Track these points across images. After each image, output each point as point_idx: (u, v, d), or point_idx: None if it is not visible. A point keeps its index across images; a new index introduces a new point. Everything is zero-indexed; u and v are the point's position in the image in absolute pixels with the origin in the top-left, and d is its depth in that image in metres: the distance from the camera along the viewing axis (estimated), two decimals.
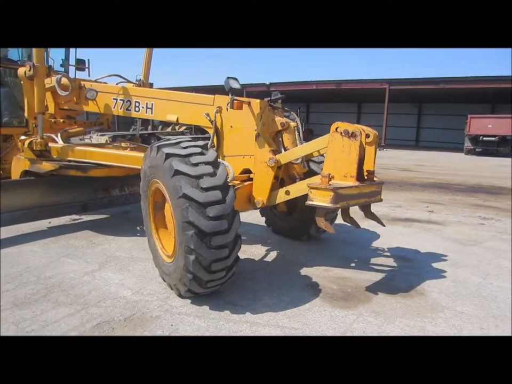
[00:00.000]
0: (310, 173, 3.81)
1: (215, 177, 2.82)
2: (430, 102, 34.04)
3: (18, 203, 4.65)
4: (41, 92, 4.72)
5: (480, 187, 9.90)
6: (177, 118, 4.09)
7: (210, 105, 3.78)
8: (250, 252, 4.32)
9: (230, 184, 3.46)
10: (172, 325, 2.70)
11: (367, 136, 3.19)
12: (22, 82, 4.95)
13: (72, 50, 6.39)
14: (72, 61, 6.43)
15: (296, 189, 3.46)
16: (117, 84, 5.11)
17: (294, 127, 3.74)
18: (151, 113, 4.33)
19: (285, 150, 3.66)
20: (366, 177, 3.24)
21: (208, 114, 3.72)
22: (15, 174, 5.13)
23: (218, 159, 3.57)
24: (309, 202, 3.05)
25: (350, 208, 3.27)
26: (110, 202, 5.61)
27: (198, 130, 25.57)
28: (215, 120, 3.69)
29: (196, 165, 2.83)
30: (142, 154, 3.94)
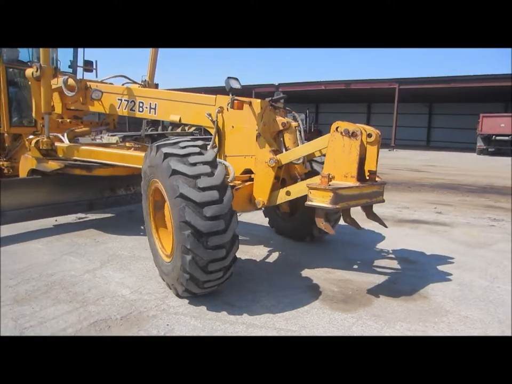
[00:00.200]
0: (313, 173, 3.77)
1: (212, 177, 2.80)
2: (441, 102, 33.63)
3: (25, 201, 4.71)
4: (48, 93, 4.77)
5: (491, 187, 9.72)
6: (180, 118, 4.09)
7: (212, 105, 3.77)
8: (252, 252, 4.30)
9: (231, 184, 3.46)
10: (167, 325, 2.69)
11: (369, 135, 3.14)
12: (29, 83, 5.01)
13: (80, 52, 6.46)
14: (80, 62, 6.49)
15: (297, 190, 3.42)
16: (123, 85, 5.13)
17: (295, 127, 3.71)
18: (155, 114, 4.34)
19: (286, 150, 3.63)
20: (367, 178, 3.20)
21: (210, 115, 3.71)
22: (23, 173, 5.21)
23: (219, 159, 3.58)
24: (308, 203, 3.02)
25: (353, 208, 3.22)
26: (115, 202, 5.65)
27: (207, 131, 25.63)
28: (216, 120, 3.68)
29: (194, 164, 2.81)
30: None
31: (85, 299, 3.08)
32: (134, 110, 4.49)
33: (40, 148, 4.80)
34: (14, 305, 2.95)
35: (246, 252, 4.27)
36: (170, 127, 29.49)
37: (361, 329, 2.71)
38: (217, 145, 3.80)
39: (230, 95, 3.51)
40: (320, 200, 2.94)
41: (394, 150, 25.65)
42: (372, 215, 3.46)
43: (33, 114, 5.10)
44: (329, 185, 2.93)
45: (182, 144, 3.01)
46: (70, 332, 2.60)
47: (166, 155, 2.90)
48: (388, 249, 4.49)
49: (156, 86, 5.86)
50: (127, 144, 5.29)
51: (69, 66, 6.49)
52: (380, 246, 4.64)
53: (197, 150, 2.96)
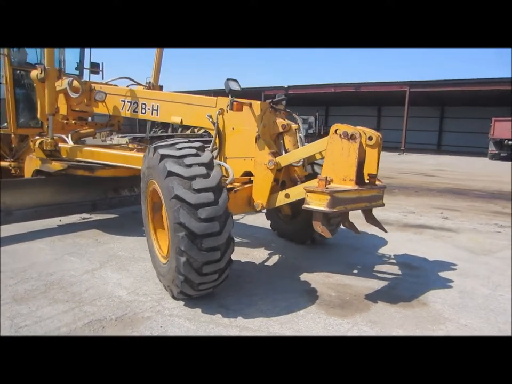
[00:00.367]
0: (313, 176, 3.72)
1: (208, 179, 2.79)
2: (453, 105, 33.20)
3: (30, 201, 4.77)
4: (52, 94, 4.82)
5: (500, 193, 9.55)
6: (182, 120, 4.10)
7: (213, 107, 3.77)
8: (253, 255, 4.27)
9: (230, 186, 3.45)
10: (161, 327, 2.68)
11: (370, 138, 3.11)
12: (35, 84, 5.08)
13: (86, 54, 6.53)
14: (86, 64, 6.56)
15: (296, 192, 3.40)
16: (127, 86, 5.17)
17: (295, 129, 3.69)
18: (157, 115, 4.36)
19: (286, 152, 3.61)
20: (367, 181, 3.16)
21: (210, 116, 3.71)
22: (28, 173, 5.27)
23: (219, 161, 3.57)
24: (305, 206, 2.99)
25: (354, 212, 3.18)
26: (119, 202, 5.69)
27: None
28: (217, 122, 3.67)
29: (189, 166, 2.81)
30: None
31: (82, 299, 3.09)
32: (137, 112, 4.53)
33: (44, 148, 4.86)
34: (12, 304, 2.98)
35: (246, 254, 4.26)
36: (180, 129, 29.72)
37: (356, 335, 2.67)
38: (217, 147, 3.80)
39: (229, 96, 3.51)
40: (317, 203, 2.91)
41: (404, 153, 25.40)
42: (371, 219, 3.42)
43: (38, 116, 5.15)
44: (327, 188, 2.89)
45: (178, 146, 3.01)
46: (64, 331, 2.61)
47: (163, 156, 2.90)
48: (390, 254, 4.43)
49: (161, 88, 5.88)
50: (130, 145, 5.31)
51: (76, 68, 6.56)
52: (382, 250, 4.58)
53: (193, 151, 2.95)
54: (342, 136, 3.00)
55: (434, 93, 27.06)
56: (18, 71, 5.84)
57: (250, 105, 3.51)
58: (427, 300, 3.28)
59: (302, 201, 3.41)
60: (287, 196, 3.46)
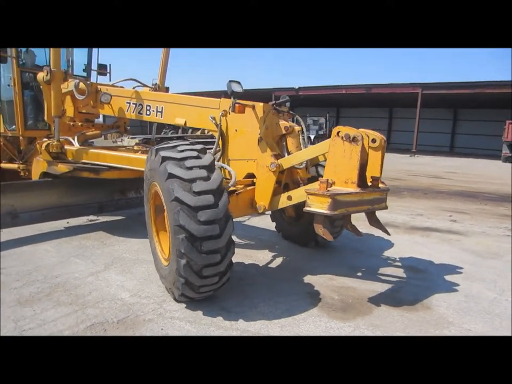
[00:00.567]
0: (318, 178, 3.71)
1: (208, 182, 2.79)
2: (466, 107, 32.79)
3: (38, 203, 4.82)
4: (58, 96, 4.87)
5: None
6: (185, 122, 4.11)
7: (216, 108, 3.77)
8: (256, 257, 4.26)
9: (232, 188, 3.45)
10: (162, 329, 2.68)
11: (373, 141, 3.08)
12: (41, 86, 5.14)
13: (94, 55, 6.58)
14: (94, 66, 6.61)
15: (298, 195, 3.38)
16: (133, 88, 5.20)
17: (298, 131, 3.67)
18: (161, 117, 4.38)
19: (289, 154, 3.59)
20: (370, 184, 3.13)
21: (214, 118, 3.71)
22: (35, 175, 5.33)
23: (221, 164, 3.57)
24: (306, 208, 2.98)
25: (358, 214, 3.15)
26: (125, 204, 5.72)
27: None
28: (220, 123, 3.67)
29: (190, 168, 2.81)
30: None
31: (85, 302, 3.11)
32: (142, 113, 4.55)
33: (50, 151, 4.91)
34: (16, 307, 3.00)
35: (249, 256, 4.25)
36: (190, 130, 29.85)
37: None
38: (220, 149, 3.80)
39: (232, 98, 3.51)
40: (318, 206, 2.89)
41: (416, 155, 25.15)
42: (374, 222, 3.38)
43: (45, 118, 5.22)
44: (328, 190, 2.88)
45: (180, 148, 3.01)
46: (66, 334, 2.63)
47: (164, 158, 2.91)
48: (395, 257, 4.38)
49: (167, 89, 5.91)
50: (135, 147, 5.35)
51: (84, 70, 6.62)
52: (387, 253, 4.53)
53: (195, 154, 2.95)
54: (344, 138, 2.98)
55: (447, 95, 26.75)
56: (27, 73, 5.92)
57: (253, 107, 3.51)
58: (431, 303, 3.23)
59: (305, 202, 3.41)
60: (289, 198, 3.45)
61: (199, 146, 3.10)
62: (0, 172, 6.40)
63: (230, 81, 3.48)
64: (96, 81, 6.30)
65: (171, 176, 2.77)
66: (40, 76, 4.89)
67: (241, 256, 4.15)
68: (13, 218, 4.56)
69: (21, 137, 6.03)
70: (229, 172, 3.48)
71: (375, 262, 4.23)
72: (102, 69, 6.59)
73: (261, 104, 3.51)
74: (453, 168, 16.93)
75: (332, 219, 3.99)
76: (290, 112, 3.93)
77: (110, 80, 6.48)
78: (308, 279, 3.69)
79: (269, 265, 4.07)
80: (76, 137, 5.15)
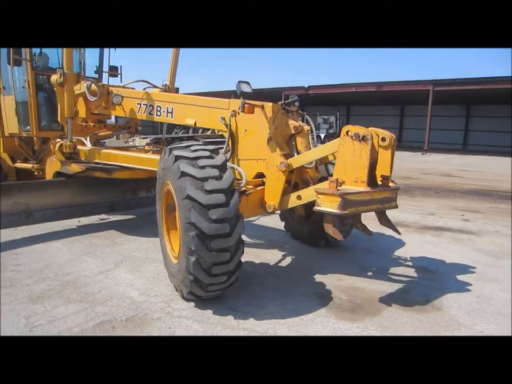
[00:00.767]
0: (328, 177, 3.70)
1: (220, 181, 2.82)
2: (479, 104, 32.20)
3: (51, 202, 4.91)
4: (71, 98, 4.95)
5: None
6: (195, 122, 4.13)
7: (226, 109, 3.78)
8: (265, 257, 4.26)
9: (243, 189, 3.46)
10: (169, 328, 2.71)
11: (383, 139, 3.06)
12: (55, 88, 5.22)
13: (105, 58, 6.66)
14: (105, 68, 6.70)
15: (308, 194, 3.37)
16: (144, 89, 5.24)
17: (307, 130, 3.66)
18: (171, 117, 4.40)
19: (298, 154, 3.58)
20: (380, 183, 3.10)
21: (223, 118, 3.72)
22: (49, 175, 5.43)
23: (232, 165, 3.58)
24: (316, 207, 2.97)
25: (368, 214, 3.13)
26: (137, 203, 5.78)
27: None
28: (229, 124, 3.68)
29: (203, 167, 2.85)
30: None
31: (95, 300, 3.15)
32: (152, 114, 4.58)
33: (64, 151, 4.99)
34: (28, 304, 3.06)
35: (258, 256, 4.25)
36: (200, 130, 29.98)
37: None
38: (230, 149, 3.81)
39: (241, 98, 3.52)
40: (328, 205, 2.88)
41: (428, 153, 24.83)
42: (384, 221, 3.35)
43: (59, 119, 5.30)
44: (338, 190, 2.86)
45: (193, 148, 3.07)
46: (75, 331, 2.67)
47: (177, 157, 2.96)
48: (406, 257, 4.34)
49: (177, 90, 5.95)
50: (146, 147, 5.39)
51: (95, 72, 6.70)
52: (398, 253, 4.49)
53: (207, 153, 3.00)
54: (354, 137, 2.95)
55: (459, 91, 26.32)
56: (40, 76, 6.02)
57: (262, 107, 3.51)
58: (442, 304, 3.19)
59: (315, 202, 3.40)
60: (299, 197, 3.44)
61: (211, 147, 3.14)
62: (15, 171, 6.54)
63: (239, 81, 3.49)
64: (108, 82, 6.37)
65: (184, 174, 2.81)
66: (54, 78, 4.97)
67: (250, 255, 4.16)
68: (27, 216, 4.65)
69: (35, 138, 6.15)
70: (239, 173, 3.50)
71: (385, 262, 4.19)
72: (113, 71, 6.66)
73: (270, 104, 3.51)
74: (466, 166, 16.68)
75: (342, 218, 3.98)
76: (299, 111, 3.91)
77: (121, 82, 6.54)
78: (317, 279, 3.68)
79: (277, 265, 4.06)
80: (88, 138, 5.23)
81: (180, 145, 3.21)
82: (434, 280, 3.70)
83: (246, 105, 3.47)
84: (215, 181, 2.81)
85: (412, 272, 3.91)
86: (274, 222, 5.52)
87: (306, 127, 3.68)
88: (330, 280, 3.64)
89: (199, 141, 4.60)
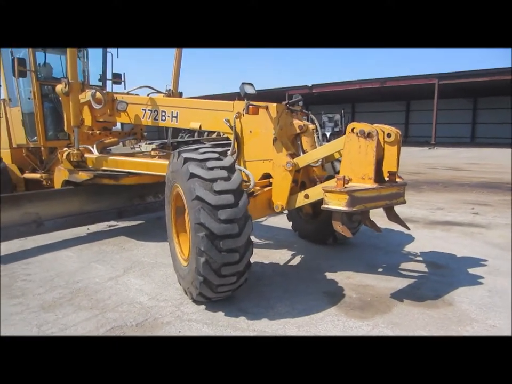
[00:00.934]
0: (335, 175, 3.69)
1: (229, 182, 2.85)
2: (486, 95, 31.85)
3: (61, 210, 4.96)
4: (76, 107, 5.00)
5: None
6: (200, 125, 4.15)
7: (230, 111, 3.79)
8: (274, 257, 4.26)
9: (251, 191, 3.47)
10: (179, 332, 2.71)
11: (388, 135, 3.04)
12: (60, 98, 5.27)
13: (108, 65, 6.72)
14: (109, 75, 6.75)
15: (315, 193, 3.37)
16: (148, 95, 5.28)
17: (312, 129, 3.66)
18: (176, 122, 4.42)
19: (304, 153, 3.59)
20: (387, 179, 3.09)
21: (228, 120, 3.73)
22: (57, 184, 5.48)
23: (240, 167, 3.60)
24: (324, 206, 2.97)
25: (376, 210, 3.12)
26: (144, 209, 5.83)
27: None
28: (234, 125, 3.69)
29: (211, 169, 2.88)
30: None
31: (105, 306, 3.17)
32: (157, 119, 4.61)
33: (71, 159, 5.04)
34: (39, 312, 3.09)
35: (267, 257, 4.25)
36: (206, 133, 30.09)
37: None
38: (236, 151, 3.82)
39: (245, 100, 3.53)
40: (336, 203, 2.88)
41: (435, 148, 24.64)
42: (393, 217, 3.33)
43: (65, 128, 5.35)
44: (345, 187, 2.86)
45: (201, 150, 3.11)
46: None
47: (186, 160, 2.99)
48: (415, 253, 4.30)
49: (180, 94, 5.98)
50: (152, 152, 5.42)
51: (99, 80, 6.76)
52: (407, 249, 4.46)
53: (215, 155, 3.03)
54: (359, 134, 2.95)
55: (465, 84, 26.08)
56: (45, 86, 6.09)
57: (266, 107, 3.52)
58: (453, 299, 3.16)
59: (322, 200, 3.39)
60: (306, 196, 3.44)
61: (220, 149, 3.16)
62: (24, 181, 6.62)
63: (243, 83, 3.50)
64: (112, 90, 6.42)
65: (193, 175, 2.84)
66: (59, 87, 5.02)
67: (258, 256, 4.16)
68: (38, 226, 4.71)
69: (42, 148, 6.22)
70: (247, 175, 3.51)
71: (395, 258, 4.16)
72: (117, 78, 6.72)
73: (274, 104, 3.52)
74: (474, 159, 16.52)
75: (350, 215, 3.97)
76: (304, 111, 3.91)
77: (125, 88, 6.60)
78: (326, 277, 3.67)
79: (286, 265, 4.06)
80: (95, 146, 5.27)
81: (188, 148, 3.25)
82: (445, 275, 3.67)
83: (250, 106, 3.49)
84: (223, 182, 2.84)
85: (421, 267, 3.88)
86: (282, 222, 5.51)
87: (311, 126, 3.68)
88: (339, 279, 3.63)
89: (205, 144, 4.62)
